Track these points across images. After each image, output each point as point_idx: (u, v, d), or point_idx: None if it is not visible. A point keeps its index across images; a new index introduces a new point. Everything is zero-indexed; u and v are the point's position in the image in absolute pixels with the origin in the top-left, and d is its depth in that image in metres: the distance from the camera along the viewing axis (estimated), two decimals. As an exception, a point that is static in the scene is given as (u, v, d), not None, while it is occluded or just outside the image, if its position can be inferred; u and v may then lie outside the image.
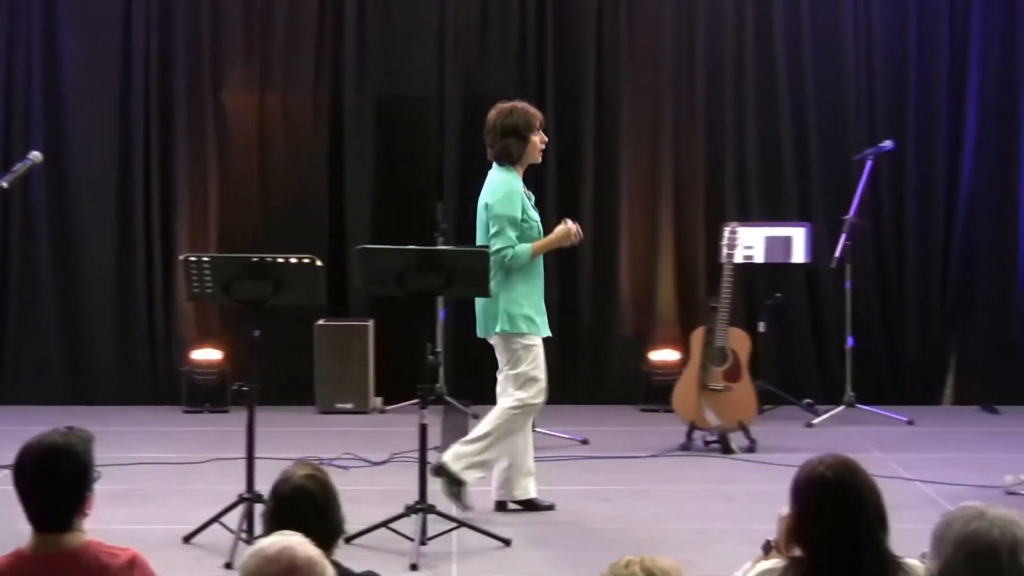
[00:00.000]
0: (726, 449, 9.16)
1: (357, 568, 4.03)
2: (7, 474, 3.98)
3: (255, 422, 7.00)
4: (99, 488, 4.00)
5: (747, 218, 10.54)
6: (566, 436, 9.39)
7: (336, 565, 3.62)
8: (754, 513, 7.44)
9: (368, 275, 7.30)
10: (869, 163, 10.21)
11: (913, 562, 3.65)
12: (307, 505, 3.95)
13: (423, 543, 6.92)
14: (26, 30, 10.80)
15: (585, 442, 9.44)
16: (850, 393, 10.25)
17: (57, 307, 10.82)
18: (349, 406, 10.50)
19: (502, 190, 7.57)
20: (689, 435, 9.30)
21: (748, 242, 10.10)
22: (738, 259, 9.61)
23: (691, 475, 8.70)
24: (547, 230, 7.72)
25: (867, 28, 11.00)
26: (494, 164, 7.69)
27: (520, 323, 7.53)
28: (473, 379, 10.25)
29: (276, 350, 9.94)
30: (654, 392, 10.51)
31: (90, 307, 10.84)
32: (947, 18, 10.94)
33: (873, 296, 10.94)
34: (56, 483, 3.91)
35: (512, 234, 7.51)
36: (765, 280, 10.67)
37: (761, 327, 10.32)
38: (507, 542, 7.09)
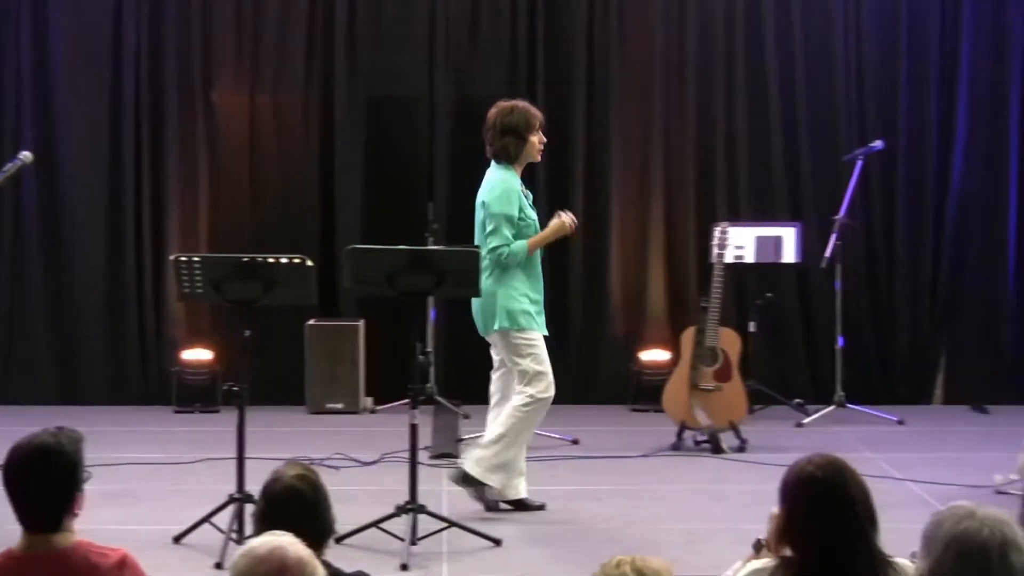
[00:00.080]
0: (716, 449, 9.16)
1: (348, 568, 4.04)
2: (-3, 474, 3.98)
3: (246, 422, 6.99)
4: (89, 488, 4.00)
5: (737, 218, 10.54)
6: (556, 436, 9.38)
7: (327, 565, 3.62)
8: (744, 513, 7.45)
9: (358, 275, 7.30)
10: (859, 163, 10.22)
11: (903, 561, 3.66)
12: (297, 505, 3.96)
13: (413, 543, 6.91)
14: (16, 30, 10.77)
15: (576, 442, 9.44)
16: (840, 393, 10.26)
17: (47, 307, 10.81)
18: (340, 406, 10.49)
19: (499, 188, 7.58)
20: (680, 435, 9.30)
21: (738, 242, 10.09)
22: (728, 259, 9.62)
23: (681, 475, 8.70)
24: (543, 228, 7.73)
25: (857, 29, 11.00)
26: (492, 162, 7.70)
27: (520, 318, 7.54)
28: (464, 379, 10.26)
29: (267, 350, 9.95)
30: (644, 392, 10.51)
31: (80, 307, 10.83)
32: (937, 19, 10.95)
33: (863, 296, 10.95)
34: (46, 483, 3.91)
35: (508, 232, 7.52)
36: (755, 280, 10.67)
37: (751, 327, 10.32)
38: (498, 542, 7.09)
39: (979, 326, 11.04)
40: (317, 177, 10.99)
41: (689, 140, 11.02)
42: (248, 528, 6.40)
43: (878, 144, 10.35)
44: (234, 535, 6.71)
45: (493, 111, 7.70)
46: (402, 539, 6.88)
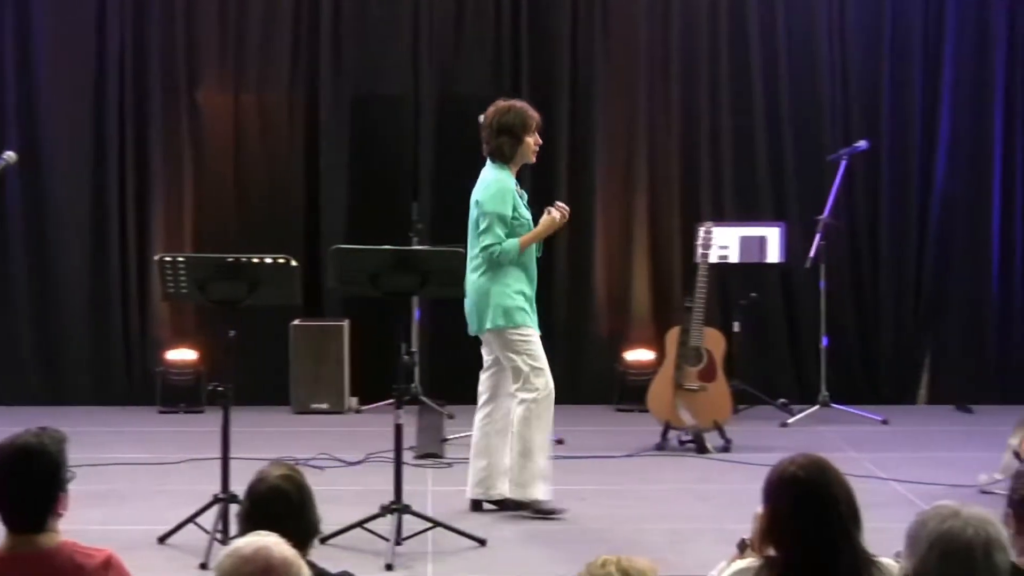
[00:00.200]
0: (701, 449, 9.17)
1: (333, 568, 4.04)
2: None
3: (230, 422, 6.98)
4: (74, 488, 4.00)
5: (722, 218, 10.55)
6: (542, 436, 9.38)
7: (311, 565, 3.62)
8: (729, 512, 7.45)
9: (343, 275, 7.30)
10: (843, 163, 10.23)
11: (887, 561, 3.66)
12: (282, 505, 3.95)
13: (398, 543, 6.91)
14: (-1, 30, 10.78)
15: (560, 442, 9.42)
16: (824, 393, 10.27)
17: (32, 307, 10.78)
18: (324, 406, 10.48)
19: (494, 187, 7.57)
20: (664, 435, 9.30)
21: (723, 242, 10.11)
22: (713, 259, 9.63)
23: (666, 475, 8.71)
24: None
25: (841, 29, 11.02)
26: (488, 161, 7.69)
27: (515, 315, 7.53)
28: (448, 379, 10.26)
29: (251, 350, 9.93)
30: (629, 392, 10.52)
31: (64, 307, 10.80)
32: (921, 19, 10.97)
33: (847, 296, 10.97)
34: (29, 484, 3.90)
35: (500, 231, 7.51)
36: (740, 280, 10.68)
37: (736, 327, 10.34)
38: (482, 542, 7.09)
39: (963, 326, 11.06)
40: (302, 177, 10.98)
41: (673, 137, 11.03)
42: (233, 528, 6.39)
43: (862, 144, 10.36)
44: (219, 535, 6.71)
45: (491, 110, 7.70)
46: (387, 539, 6.88)
